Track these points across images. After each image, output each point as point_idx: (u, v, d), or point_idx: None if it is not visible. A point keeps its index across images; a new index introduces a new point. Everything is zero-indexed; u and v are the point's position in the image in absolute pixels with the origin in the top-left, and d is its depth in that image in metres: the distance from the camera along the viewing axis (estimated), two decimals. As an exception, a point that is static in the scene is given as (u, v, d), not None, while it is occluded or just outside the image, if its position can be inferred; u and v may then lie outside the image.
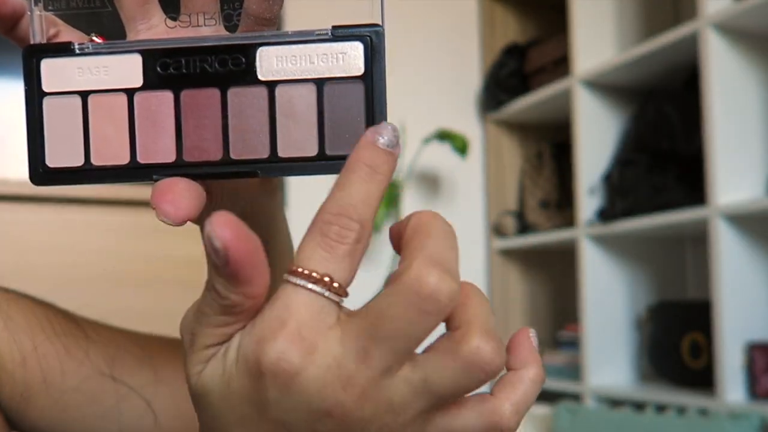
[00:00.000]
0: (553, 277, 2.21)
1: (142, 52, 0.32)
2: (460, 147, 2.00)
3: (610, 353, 1.87)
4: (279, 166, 0.32)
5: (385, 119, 0.31)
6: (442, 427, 0.28)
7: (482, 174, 2.24)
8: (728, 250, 1.51)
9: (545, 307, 2.21)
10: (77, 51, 0.32)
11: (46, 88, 0.33)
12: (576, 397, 1.88)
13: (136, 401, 0.47)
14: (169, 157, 0.32)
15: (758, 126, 1.59)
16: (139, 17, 0.33)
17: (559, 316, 2.19)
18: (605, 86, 1.88)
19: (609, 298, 1.87)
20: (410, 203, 2.13)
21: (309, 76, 0.31)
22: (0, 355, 0.45)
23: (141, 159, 0.32)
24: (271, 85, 0.32)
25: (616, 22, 1.94)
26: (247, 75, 0.32)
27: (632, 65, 1.76)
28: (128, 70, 0.32)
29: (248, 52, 0.32)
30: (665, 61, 1.73)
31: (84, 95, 0.32)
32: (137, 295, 1.77)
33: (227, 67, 0.32)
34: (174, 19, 0.34)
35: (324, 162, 0.32)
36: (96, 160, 0.32)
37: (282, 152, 0.32)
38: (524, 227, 2.14)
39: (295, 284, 0.27)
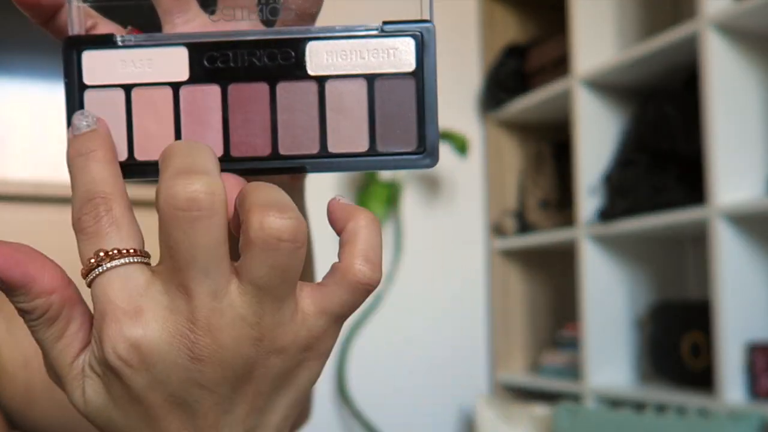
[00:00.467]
0: (553, 277, 2.21)
1: (189, 45, 0.31)
2: (460, 147, 2.00)
3: (610, 353, 1.87)
4: (329, 162, 0.32)
5: (436, 115, 0.31)
6: (317, 314, 0.28)
7: (482, 174, 2.24)
8: (728, 250, 1.51)
9: (545, 307, 2.21)
10: (120, 43, 0.31)
11: (87, 80, 0.32)
12: (576, 397, 1.88)
13: None
14: (216, 152, 0.31)
15: (758, 126, 1.59)
16: (176, 10, 0.33)
17: (559, 316, 2.19)
18: (605, 86, 1.88)
19: (609, 298, 1.87)
20: (410, 203, 2.13)
21: (359, 72, 0.31)
22: (3, 358, 0.45)
23: None
24: (321, 80, 0.31)
25: (616, 22, 1.94)
26: (296, 69, 0.31)
27: (632, 65, 1.76)
28: (173, 63, 0.31)
29: (298, 46, 0.31)
30: (665, 61, 1.73)
31: (127, 88, 0.31)
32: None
33: (276, 61, 0.31)
34: (209, 13, 0.33)
35: (375, 157, 0.32)
36: (140, 155, 0.32)
37: (332, 147, 0.31)
38: (524, 227, 2.14)
39: (89, 280, 0.28)
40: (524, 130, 2.23)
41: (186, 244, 0.26)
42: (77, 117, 0.30)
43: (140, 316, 0.27)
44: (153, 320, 0.27)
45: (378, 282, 0.29)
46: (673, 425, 1.53)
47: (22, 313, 0.28)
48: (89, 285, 0.28)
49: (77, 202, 0.28)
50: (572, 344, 1.97)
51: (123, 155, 0.32)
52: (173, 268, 0.27)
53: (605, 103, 1.89)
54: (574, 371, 1.93)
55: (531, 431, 1.85)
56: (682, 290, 1.98)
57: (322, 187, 2.09)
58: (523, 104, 2.08)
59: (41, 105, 1.83)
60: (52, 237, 1.96)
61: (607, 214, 1.79)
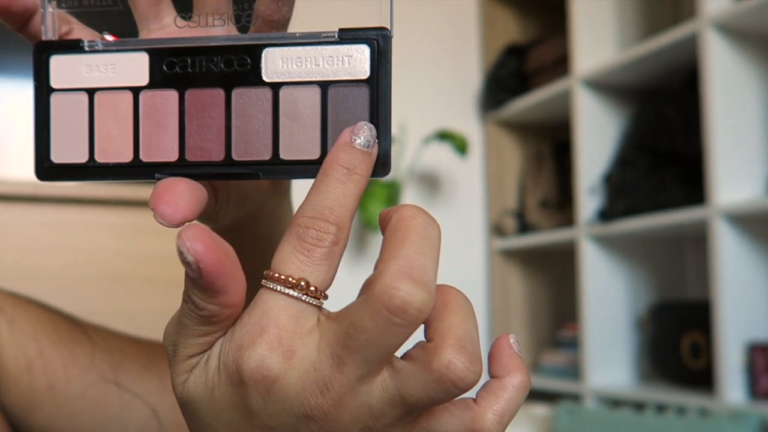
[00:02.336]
0: (553, 277, 2.21)
1: (149, 51, 0.32)
2: (460, 147, 2.00)
3: (610, 353, 1.87)
4: (281, 169, 0.32)
5: (390, 124, 0.31)
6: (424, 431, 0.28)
7: (482, 174, 2.24)
8: (728, 250, 1.51)
9: (545, 307, 2.21)
10: (86, 48, 0.32)
11: (54, 84, 0.32)
12: (576, 397, 1.88)
13: (140, 408, 0.47)
14: (172, 156, 0.32)
15: (758, 126, 1.59)
16: (151, 17, 0.33)
17: (559, 316, 2.19)
18: (605, 86, 1.88)
19: (609, 298, 1.87)
20: (410, 203, 2.13)
21: (314, 79, 0.31)
22: (5, 361, 0.44)
23: (144, 157, 0.32)
24: (275, 87, 0.31)
25: (616, 22, 1.94)
26: (251, 76, 0.31)
27: (632, 65, 1.76)
28: (135, 68, 0.32)
29: (254, 52, 0.31)
30: (665, 61, 1.73)
31: (91, 92, 0.32)
32: (137, 295, 1.77)
33: (233, 67, 0.32)
34: (185, 18, 0.34)
35: None
36: (100, 157, 0.32)
37: (284, 155, 0.31)
38: (524, 227, 2.14)
39: (273, 289, 0.28)
40: (524, 130, 2.23)
41: (371, 336, 0.26)
42: (367, 129, 0.30)
43: (291, 358, 0.27)
44: (297, 368, 0.27)
45: (472, 384, 0.27)
46: (673, 425, 1.53)
47: (190, 301, 0.27)
48: (265, 284, 0.28)
49: (314, 207, 0.28)
50: (572, 344, 1.97)
51: (83, 157, 0.32)
52: (341, 339, 0.26)
53: (605, 103, 1.90)
54: (574, 371, 1.93)
55: (531, 431, 1.85)
56: (682, 290, 1.98)
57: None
58: (523, 104, 2.08)
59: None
60: (52, 237, 1.96)
61: (607, 214, 1.79)
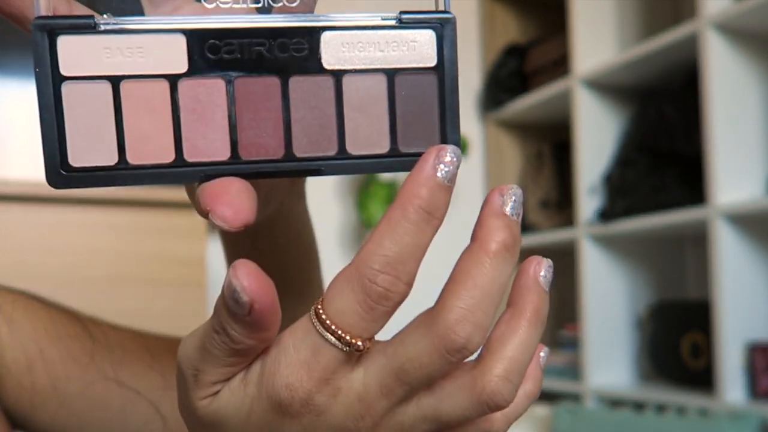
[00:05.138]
0: (553, 277, 2.20)
1: (187, 32, 0.27)
2: (460, 147, 2.00)
3: (610, 353, 1.87)
4: (348, 164, 0.29)
5: (458, 114, 0.29)
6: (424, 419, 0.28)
7: (482, 174, 2.24)
8: (728, 250, 1.51)
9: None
10: (102, 27, 0.27)
11: (65, 71, 0.27)
12: (576, 397, 1.88)
13: (142, 406, 0.47)
14: (223, 154, 0.28)
15: (758, 126, 1.59)
16: None
17: (559, 316, 2.19)
18: (605, 86, 1.88)
19: (609, 298, 1.87)
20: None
21: (378, 66, 0.28)
22: (6, 360, 0.44)
23: (189, 157, 0.28)
24: (337, 75, 0.28)
25: (616, 22, 1.94)
26: (310, 62, 0.28)
27: (632, 65, 1.76)
28: (169, 52, 0.27)
29: (311, 36, 0.28)
30: (665, 61, 1.73)
31: (115, 81, 0.27)
32: (137, 295, 1.77)
33: (288, 52, 0.28)
34: None
35: (397, 159, 0.29)
36: (133, 159, 0.27)
37: (351, 149, 0.29)
38: (524, 227, 2.14)
39: (326, 339, 0.26)
40: (524, 130, 2.23)
41: (426, 371, 0.26)
42: (452, 153, 0.26)
43: (337, 395, 0.27)
44: (342, 402, 0.27)
45: (507, 405, 0.27)
46: (673, 425, 1.53)
47: (225, 334, 0.26)
48: (317, 329, 0.26)
49: (386, 259, 0.25)
50: (572, 344, 1.97)
51: (112, 158, 0.28)
52: (396, 372, 0.26)
53: (605, 103, 1.90)
54: (574, 371, 1.93)
55: (531, 431, 1.85)
56: (682, 290, 1.98)
57: (328, 195, 2.09)
58: (523, 104, 2.08)
59: (41, 105, 1.82)
60: (52, 237, 1.96)
61: (607, 214, 1.79)
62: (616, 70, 1.79)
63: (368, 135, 0.29)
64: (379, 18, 0.29)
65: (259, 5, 0.29)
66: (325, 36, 0.28)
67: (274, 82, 0.28)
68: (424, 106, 0.29)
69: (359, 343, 0.26)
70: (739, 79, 1.56)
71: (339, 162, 0.29)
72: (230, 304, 0.25)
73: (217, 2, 0.29)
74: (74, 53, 0.27)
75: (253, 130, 0.28)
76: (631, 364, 1.90)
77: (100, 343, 0.47)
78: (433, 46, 0.29)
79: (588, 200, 1.86)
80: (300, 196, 0.40)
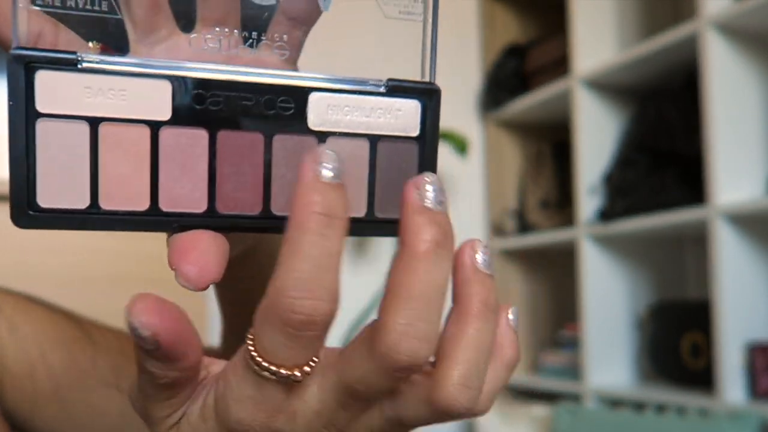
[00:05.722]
0: (553, 277, 2.21)
1: (173, 79, 0.26)
2: (460, 147, 2.00)
3: (610, 353, 1.87)
4: None
5: None
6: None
7: (482, 174, 2.24)
8: (728, 250, 1.51)
9: (545, 307, 2.21)
10: (84, 66, 0.26)
11: (40, 107, 0.25)
12: (576, 398, 1.88)
13: None
14: (200, 206, 0.27)
15: (758, 126, 1.59)
16: (148, 28, 0.28)
17: (559, 316, 2.19)
18: (605, 86, 1.88)
19: (609, 298, 1.87)
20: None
21: (363, 131, 0.28)
22: (7, 364, 0.44)
23: (164, 206, 0.27)
24: (321, 136, 0.28)
25: (616, 22, 1.94)
26: (296, 121, 0.28)
27: (632, 65, 1.76)
28: (154, 98, 0.26)
29: (299, 95, 0.28)
30: (665, 61, 1.73)
31: (94, 122, 0.26)
32: (137, 295, 1.77)
33: (274, 110, 0.27)
34: (186, 31, 0.28)
35: (372, 224, 0.29)
36: (106, 204, 0.27)
37: None
38: (524, 227, 2.14)
39: (262, 376, 0.25)
40: (524, 130, 2.23)
41: (376, 389, 0.25)
42: (327, 155, 0.24)
43: (293, 419, 0.26)
44: (301, 423, 0.26)
45: (478, 414, 0.26)
46: (673, 425, 1.53)
47: (148, 372, 0.25)
48: (255, 370, 0.25)
49: (298, 282, 0.23)
50: (572, 344, 1.97)
51: (83, 202, 0.26)
52: (347, 391, 0.26)
53: (605, 103, 1.89)
54: (574, 371, 1.93)
55: (531, 431, 1.85)
56: (682, 290, 1.98)
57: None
58: (523, 104, 2.08)
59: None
60: (51, 237, 1.96)
61: (607, 214, 1.79)
62: (616, 70, 1.79)
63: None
64: (368, 83, 0.29)
65: (248, 36, 0.29)
66: (313, 96, 0.28)
67: (257, 138, 0.27)
68: (403, 174, 0.29)
69: (297, 373, 0.25)
70: (739, 79, 1.56)
71: None
72: (138, 342, 0.24)
73: (200, 38, 0.28)
74: (52, 90, 0.26)
75: (232, 184, 0.28)
76: (631, 364, 1.90)
77: (100, 349, 0.47)
78: (418, 117, 0.29)
79: (588, 200, 1.86)
80: None
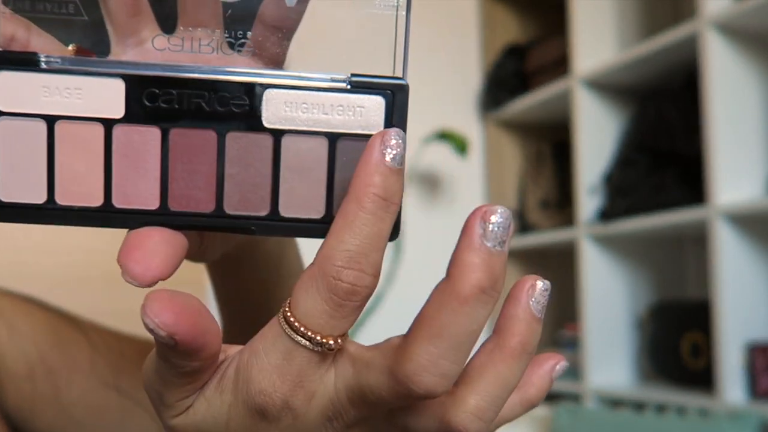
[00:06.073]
0: (553, 277, 2.19)
1: (126, 78, 0.27)
2: (460, 147, 2.00)
3: (610, 353, 1.86)
4: (279, 226, 0.28)
5: None
6: None
7: (482, 174, 2.24)
8: (728, 250, 1.51)
9: (545, 307, 2.21)
10: (43, 66, 0.27)
11: (2, 106, 0.27)
12: (576, 398, 1.88)
13: (141, 415, 0.47)
14: (152, 203, 0.27)
15: (758, 126, 1.59)
16: (129, 31, 0.28)
17: (559, 316, 2.19)
18: (605, 86, 1.88)
19: (609, 298, 1.87)
20: (410, 203, 2.13)
21: (321, 129, 0.27)
22: (6, 366, 0.44)
23: (117, 203, 0.27)
24: (277, 134, 0.27)
25: (616, 22, 1.94)
26: (250, 119, 0.27)
27: (632, 65, 1.75)
28: (107, 96, 0.27)
29: (253, 93, 0.27)
30: (665, 61, 1.73)
31: (50, 120, 0.27)
32: (136, 295, 1.77)
33: (228, 107, 0.27)
34: (169, 32, 0.29)
35: (330, 225, 0.28)
36: (61, 199, 0.27)
37: (284, 211, 0.28)
38: (524, 227, 2.14)
39: (296, 342, 0.25)
40: (524, 130, 2.23)
41: (387, 403, 0.25)
42: (401, 139, 0.25)
43: (311, 399, 0.26)
44: (317, 405, 0.26)
45: None
46: (673, 425, 1.53)
47: (169, 363, 0.26)
48: (287, 332, 0.25)
49: (348, 254, 0.24)
50: (572, 344, 1.97)
51: (40, 197, 0.27)
52: (360, 394, 0.26)
53: (605, 103, 1.89)
54: (574, 371, 1.92)
55: (531, 431, 1.84)
56: (682, 290, 1.98)
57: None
58: (523, 104, 2.08)
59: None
60: (51, 237, 1.95)
61: (607, 214, 1.79)
62: (616, 70, 1.79)
63: (303, 199, 0.28)
64: (329, 79, 0.28)
65: (234, 43, 0.29)
66: (269, 94, 0.27)
67: (210, 135, 0.27)
68: None
69: (331, 342, 0.25)
70: (739, 79, 1.56)
71: (270, 223, 0.28)
72: (156, 339, 0.24)
73: (168, 46, 0.28)
74: (12, 89, 0.27)
75: (184, 182, 0.27)
76: (631, 364, 1.90)
77: (99, 350, 0.47)
78: (381, 114, 0.28)
79: (588, 200, 1.86)
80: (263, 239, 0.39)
